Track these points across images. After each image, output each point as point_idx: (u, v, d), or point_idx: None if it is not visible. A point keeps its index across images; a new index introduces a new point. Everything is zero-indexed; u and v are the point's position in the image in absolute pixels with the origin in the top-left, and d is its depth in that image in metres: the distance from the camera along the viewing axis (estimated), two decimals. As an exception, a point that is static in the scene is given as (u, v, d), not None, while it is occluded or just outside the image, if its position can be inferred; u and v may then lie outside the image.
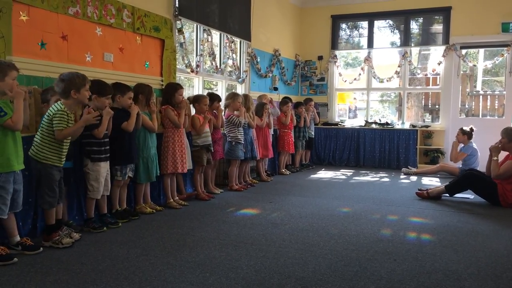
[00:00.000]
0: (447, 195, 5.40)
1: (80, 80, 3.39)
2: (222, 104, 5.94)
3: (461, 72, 8.66)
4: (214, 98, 5.71)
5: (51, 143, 3.32)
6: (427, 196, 5.41)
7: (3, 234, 3.16)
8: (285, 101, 7.64)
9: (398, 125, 8.78)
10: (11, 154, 3.01)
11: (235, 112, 5.91)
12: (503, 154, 5.33)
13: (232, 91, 6.26)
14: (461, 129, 7.13)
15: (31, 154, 3.33)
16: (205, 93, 5.90)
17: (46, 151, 3.31)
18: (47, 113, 3.36)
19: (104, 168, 3.84)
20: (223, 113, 5.84)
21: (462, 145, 7.13)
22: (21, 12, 3.72)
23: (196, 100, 5.33)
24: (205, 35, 6.27)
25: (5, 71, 3.00)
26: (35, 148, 3.33)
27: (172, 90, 4.85)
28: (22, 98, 3.04)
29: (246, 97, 6.31)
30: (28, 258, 3.04)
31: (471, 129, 7.07)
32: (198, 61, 6.15)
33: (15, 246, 3.14)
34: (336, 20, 9.31)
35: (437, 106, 9.93)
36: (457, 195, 5.45)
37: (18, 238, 3.18)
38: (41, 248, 3.20)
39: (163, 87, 5.15)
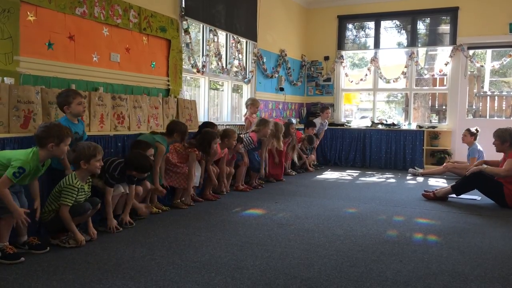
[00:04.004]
0: (454, 195, 5.37)
1: (90, 151, 3.38)
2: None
3: (469, 72, 8.61)
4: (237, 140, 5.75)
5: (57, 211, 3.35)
6: (433, 197, 5.38)
7: (11, 233, 3.16)
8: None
9: (404, 126, 8.74)
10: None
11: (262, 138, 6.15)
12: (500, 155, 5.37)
13: (262, 117, 6.28)
14: (469, 130, 7.14)
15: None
16: (210, 93, 5.92)
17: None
18: (59, 184, 3.37)
19: None
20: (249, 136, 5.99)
21: (467, 147, 7.17)
22: (28, 13, 3.75)
23: (225, 135, 5.32)
24: (211, 36, 6.28)
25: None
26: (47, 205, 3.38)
27: (209, 139, 4.82)
28: (18, 218, 2.98)
29: (276, 125, 6.36)
30: (35, 257, 3.05)
31: (477, 130, 7.09)
32: (204, 62, 6.17)
33: (22, 245, 3.16)
34: (343, 21, 9.29)
35: (444, 107, 9.89)
36: (464, 196, 5.41)
37: (26, 237, 3.19)
38: (48, 248, 3.21)
39: (199, 132, 5.05)
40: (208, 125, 5.45)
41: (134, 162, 3.85)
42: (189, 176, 4.76)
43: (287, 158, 7.28)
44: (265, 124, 6.05)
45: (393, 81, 8.79)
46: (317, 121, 8.36)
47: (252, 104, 6.72)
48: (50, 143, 3.05)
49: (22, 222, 2.98)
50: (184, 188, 4.79)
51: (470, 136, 7.11)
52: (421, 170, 7.76)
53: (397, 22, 9.29)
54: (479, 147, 7.06)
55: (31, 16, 3.77)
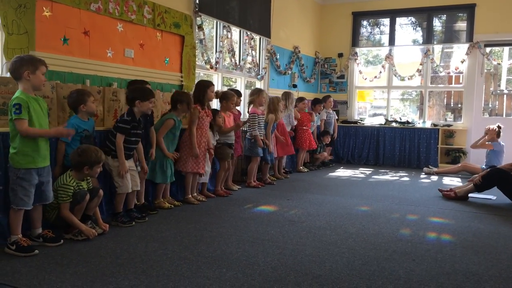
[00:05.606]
0: (473, 195, 5.29)
1: (97, 158, 3.41)
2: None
3: (485, 70, 8.47)
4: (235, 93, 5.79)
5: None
6: (454, 196, 5.24)
7: (25, 226, 3.20)
8: (300, 98, 7.68)
9: (419, 124, 8.65)
10: (33, 151, 3.04)
11: (260, 108, 5.94)
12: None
13: (256, 87, 6.30)
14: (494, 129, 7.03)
15: None
16: (223, 90, 5.92)
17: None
18: (55, 182, 3.39)
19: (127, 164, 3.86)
20: (247, 109, 5.88)
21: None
22: (44, 8, 3.78)
23: (224, 97, 5.35)
24: (225, 32, 6.28)
25: (36, 65, 3.05)
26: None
27: (203, 87, 4.83)
28: (56, 134, 3.21)
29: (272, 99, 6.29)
30: (49, 250, 3.09)
31: (499, 127, 6.98)
32: (218, 58, 6.17)
33: (37, 238, 3.20)
34: (357, 17, 9.21)
35: (459, 105, 9.75)
36: (480, 195, 5.34)
37: (40, 230, 3.24)
38: (62, 241, 3.25)
39: (195, 85, 5.05)
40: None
41: (137, 90, 3.91)
42: (191, 137, 4.66)
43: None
44: (258, 93, 5.94)
45: (408, 78, 8.70)
46: (323, 113, 8.25)
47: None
48: (25, 71, 3.00)
49: None
50: (194, 172, 4.75)
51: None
52: (435, 169, 7.67)
53: (413, 19, 9.18)
54: (503, 144, 6.98)
55: (47, 12, 3.81)
